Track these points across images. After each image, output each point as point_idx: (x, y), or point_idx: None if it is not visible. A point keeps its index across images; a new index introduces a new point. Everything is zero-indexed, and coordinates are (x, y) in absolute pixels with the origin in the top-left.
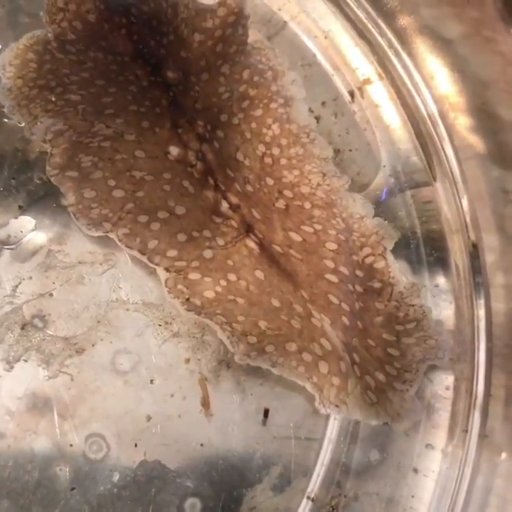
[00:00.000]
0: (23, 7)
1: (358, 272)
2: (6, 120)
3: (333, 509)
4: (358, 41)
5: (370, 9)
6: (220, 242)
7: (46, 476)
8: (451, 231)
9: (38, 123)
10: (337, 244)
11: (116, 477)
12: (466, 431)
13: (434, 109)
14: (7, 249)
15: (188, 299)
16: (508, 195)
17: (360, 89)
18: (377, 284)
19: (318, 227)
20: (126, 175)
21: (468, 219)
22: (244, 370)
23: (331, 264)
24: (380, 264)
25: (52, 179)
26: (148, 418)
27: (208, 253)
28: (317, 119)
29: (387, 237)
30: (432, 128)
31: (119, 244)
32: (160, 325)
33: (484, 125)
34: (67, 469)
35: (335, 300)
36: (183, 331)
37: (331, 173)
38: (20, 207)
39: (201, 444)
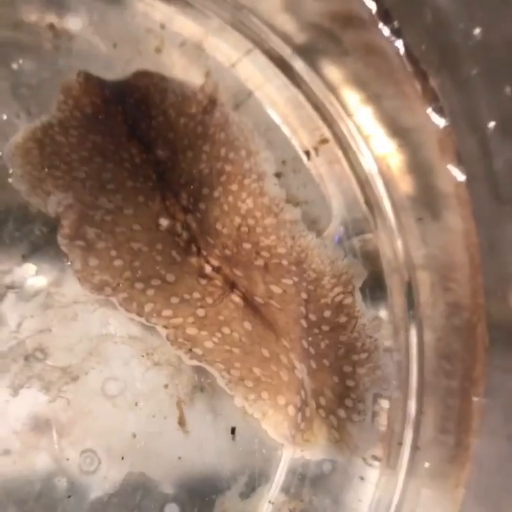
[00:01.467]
0: (24, 81)
1: (326, 313)
2: (10, 180)
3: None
4: (312, 109)
5: (318, 81)
6: (209, 300)
7: (46, 486)
8: (390, 271)
9: (52, 196)
10: (307, 294)
11: (106, 486)
12: (401, 443)
13: (374, 167)
14: (12, 292)
15: (190, 350)
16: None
17: (315, 149)
18: (343, 319)
19: (296, 279)
20: (125, 246)
21: (402, 261)
22: (216, 394)
23: (303, 311)
24: (348, 301)
25: (62, 247)
26: (134, 435)
27: (200, 311)
28: (279, 175)
29: (357, 275)
30: (373, 183)
31: (118, 307)
32: (143, 356)
33: (417, 181)
34: (65, 480)
35: (305, 345)
36: (162, 360)
37: (300, 233)
38: (23, 256)
39: (179, 457)
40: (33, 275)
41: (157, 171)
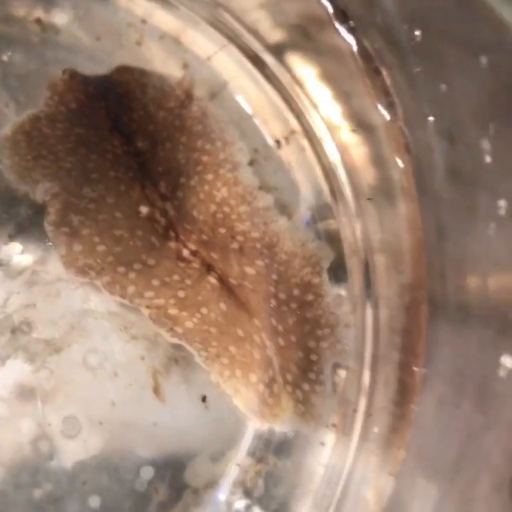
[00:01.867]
0: (12, 72)
1: (295, 292)
2: None
3: (256, 474)
4: (281, 102)
5: (288, 77)
6: (188, 282)
7: (31, 449)
8: (350, 254)
9: (39, 184)
10: (278, 275)
11: (86, 450)
12: (356, 410)
13: (337, 157)
14: (0, 269)
15: (171, 328)
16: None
17: (285, 138)
18: (310, 297)
19: (267, 261)
20: (108, 233)
21: (361, 244)
22: (190, 366)
23: (273, 290)
24: (315, 280)
25: (48, 233)
26: (113, 403)
27: (181, 293)
28: (252, 162)
29: (324, 257)
30: (336, 172)
31: (102, 290)
32: (121, 330)
33: (375, 171)
34: (48, 444)
35: (274, 322)
36: (140, 334)
37: (272, 219)
38: (9, 236)
39: (154, 424)
40: (18, 254)
41: (137, 161)
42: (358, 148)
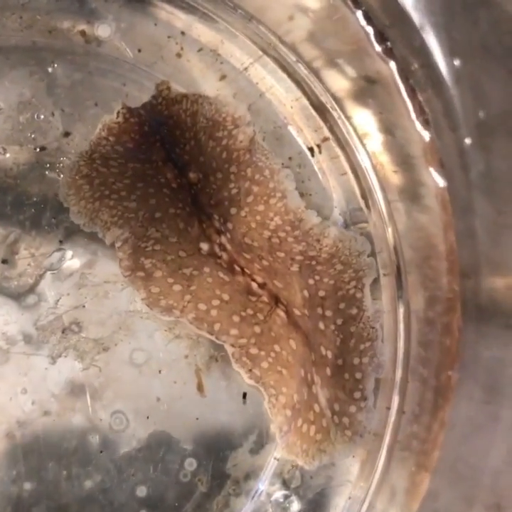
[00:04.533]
0: (58, 82)
1: (341, 305)
2: (47, 173)
3: (293, 466)
4: (314, 111)
5: (319, 85)
6: (260, 317)
7: (81, 443)
8: (380, 252)
9: (110, 231)
10: (326, 290)
11: (134, 443)
12: (389, 408)
13: (367, 163)
14: (51, 273)
15: (250, 370)
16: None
17: (318, 146)
18: (354, 310)
19: (317, 278)
20: (179, 272)
21: (392, 246)
22: (229, 364)
23: (320, 311)
24: (358, 295)
25: (126, 279)
26: (158, 399)
27: (257, 329)
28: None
29: (368, 275)
30: (367, 177)
31: (189, 326)
32: (165, 329)
33: (405, 176)
34: (97, 437)
35: (323, 351)
36: (183, 333)
37: (323, 234)
38: (60, 241)
39: (197, 418)
40: (69, 258)
41: (191, 195)
42: (388, 154)
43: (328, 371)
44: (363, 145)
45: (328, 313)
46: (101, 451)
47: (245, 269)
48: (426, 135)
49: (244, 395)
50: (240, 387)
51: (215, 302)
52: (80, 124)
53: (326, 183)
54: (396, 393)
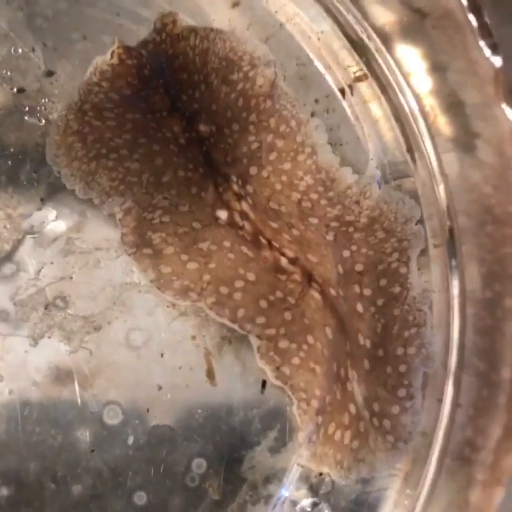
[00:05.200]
0: (39, 11)
1: (382, 281)
2: (26, 118)
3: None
4: (347, 43)
5: (357, 13)
6: (291, 300)
7: (68, 440)
8: (428, 216)
9: (110, 200)
10: (364, 263)
11: (131, 440)
12: (440, 400)
13: (414, 106)
14: (31, 237)
15: (278, 368)
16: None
17: (350, 87)
18: (397, 289)
19: (354, 248)
20: (194, 248)
21: (444, 207)
22: (245, 346)
23: (357, 290)
24: (403, 270)
25: (130, 257)
26: (159, 388)
27: (288, 315)
28: (311, 114)
29: (415, 246)
30: (413, 123)
31: (208, 311)
32: (168, 305)
33: (461, 122)
34: (87, 434)
35: (361, 340)
36: (189, 310)
37: (364, 194)
38: (41, 199)
39: (206, 411)
40: (52, 220)
41: (202, 151)
42: (440, 95)
43: (367, 364)
44: (409, 86)
45: (367, 292)
46: (92, 450)
47: (273, 242)
48: (496, 61)
49: (264, 384)
50: (258, 373)
51: (239, 283)
52: (65, 61)
53: (360, 130)
54: (449, 387)
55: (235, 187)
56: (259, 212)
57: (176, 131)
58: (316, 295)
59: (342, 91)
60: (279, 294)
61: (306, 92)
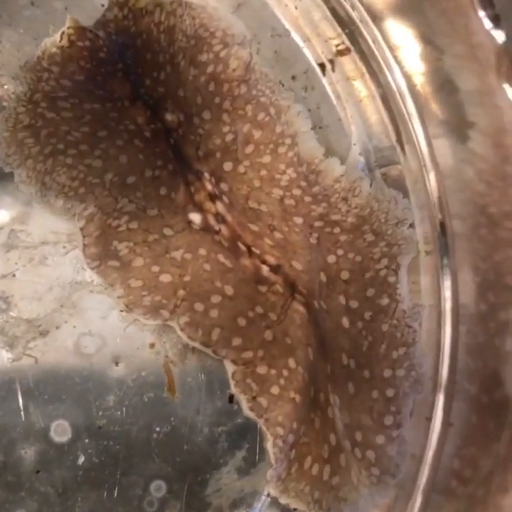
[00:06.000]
0: None
1: (370, 292)
2: None
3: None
4: (329, 13)
5: None
6: (273, 316)
7: (11, 459)
8: (418, 209)
9: (69, 206)
10: (350, 271)
11: (81, 460)
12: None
13: (403, 85)
14: None
15: (254, 398)
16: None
17: (331, 61)
18: (385, 300)
19: (341, 252)
20: (166, 257)
21: (435, 198)
22: (210, 355)
23: (343, 301)
24: (391, 279)
25: (94, 271)
26: (114, 401)
27: (268, 335)
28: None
29: (406, 252)
30: (401, 104)
31: (179, 333)
32: (124, 309)
33: (456, 104)
34: (32, 452)
35: (344, 360)
36: None
37: (353, 192)
38: None
39: (166, 427)
40: None
41: (171, 145)
42: (432, 73)
43: (351, 387)
44: (397, 62)
45: (354, 303)
46: (37, 471)
47: (253, 248)
48: (498, 36)
49: (231, 398)
50: (225, 385)
51: (216, 299)
52: (11, 29)
53: (342, 111)
54: (438, 410)
55: (209, 185)
56: (236, 214)
57: (140, 123)
58: (301, 308)
59: (322, 66)
60: (259, 309)
61: (282, 68)
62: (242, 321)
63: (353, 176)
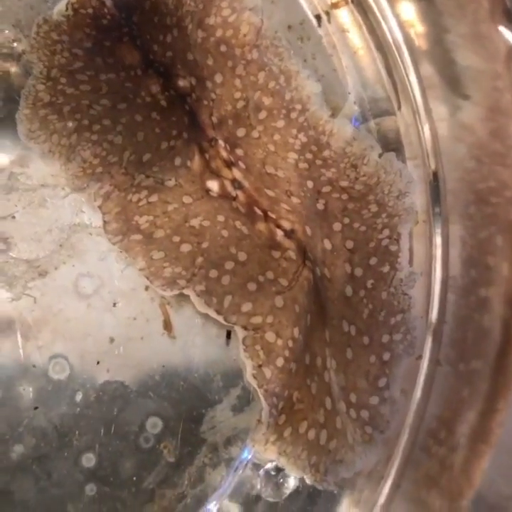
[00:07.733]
0: None
1: (372, 260)
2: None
3: None
4: None
5: None
6: (284, 282)
7: (10, 395)
8: (412, 159)
9: (85, 186)
10: (354, 240)
11: (79, 397)
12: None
13: (399, 35)
14: None
15: (260, 366)
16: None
17: (327, 13)
18: (386, 268)
19: (347, 221)
20: (186, 226)
21: (429, 148)
22: None
23: (348, 269)
24: (393, 248)
25: (117, 246)
26: (111, 340)
27: (278, 301)
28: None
29: (408, 221)
30: (397, 55)
31: (194, 300)
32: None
33: (452, 54)
34: (31, 389)
35: (345, 327)
36: None
37: (363, 159)
38: None
39: (163, 366)
40: None
41: (187, 111)
42: (428, 23)
43: (349, 353)
44: (394, 13)
45: (358, 271)
46: (36, 407)
47: (269, 213)
48: None
49: (229, 334)
50: (221, 325)
51: (229, 265)
52: None
53: (337, 62)
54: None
55: (224, 152)
56: (253, 180)
57: (155, 92)
58: (310, 275)
59: (318, 17)
60: (270, 274)
61: (278, 18)
62: (252, 286)
63: (365, 142)
